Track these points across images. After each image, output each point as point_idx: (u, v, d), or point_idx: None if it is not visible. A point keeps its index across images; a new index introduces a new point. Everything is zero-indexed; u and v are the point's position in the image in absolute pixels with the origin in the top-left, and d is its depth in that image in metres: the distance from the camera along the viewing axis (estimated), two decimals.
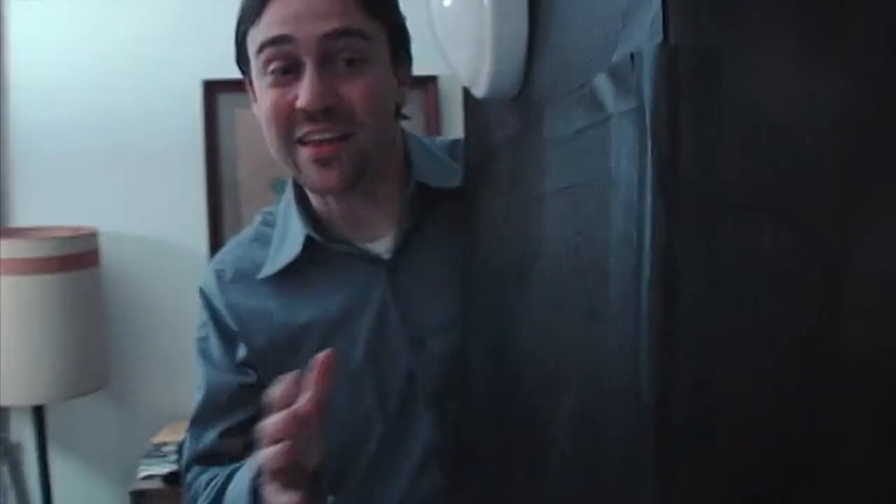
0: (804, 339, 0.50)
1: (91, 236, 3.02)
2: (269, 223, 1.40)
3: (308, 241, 1.30)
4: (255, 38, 1.19)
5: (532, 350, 0.82)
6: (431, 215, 1.31)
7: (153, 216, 3.05)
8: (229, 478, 1.30)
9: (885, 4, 0.48)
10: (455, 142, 1.40)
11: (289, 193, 1.35)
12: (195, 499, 1.35)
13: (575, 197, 0.61)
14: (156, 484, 2.97)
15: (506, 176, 0.87)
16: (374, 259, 1.31)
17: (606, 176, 0.54)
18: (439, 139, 1.44)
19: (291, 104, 1.17)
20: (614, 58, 0.53)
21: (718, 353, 0.49)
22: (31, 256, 2.82)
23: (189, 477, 1.39)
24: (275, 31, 1.17)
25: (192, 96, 3.09)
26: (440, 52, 0.91)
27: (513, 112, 0.83)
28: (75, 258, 2.91)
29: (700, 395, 0.49)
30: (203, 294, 1.40)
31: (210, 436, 1.37)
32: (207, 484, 1.34)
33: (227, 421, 1.36)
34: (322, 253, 1.31)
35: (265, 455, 1.05)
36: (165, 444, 3.00)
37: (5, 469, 3.26)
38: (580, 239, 0.60)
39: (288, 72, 1.18)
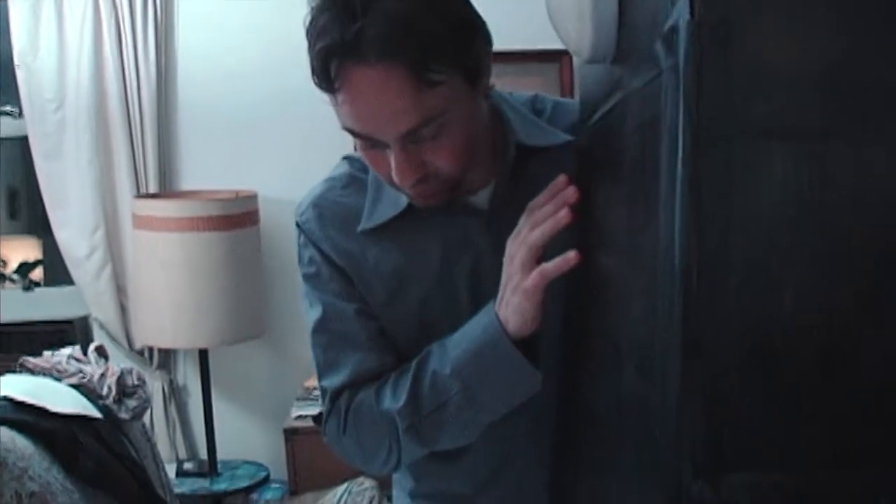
0: (795, 223, 0.70)
1: (251, 198, 3.28)
2: (361, 168, 1.41)
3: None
4: (334, 107, 1.22)
5: (608, 261, 1.04)
6: (527, 169, 1.35)
7: (307, 181, 3.25)
8: (423, 358, 1.32)
9: None
10: (535, 97, 1.46)
11: None
12: (358, 412, 1.37)
13: (643, 132, 0.83)
14: (307, 423, 3.24)
15: (603, 125, 1.09)
16: (472, 211, 1.36)
17: (660, 115, 0.75)
18: (517, 95, 1.45)
19: (388, 171, 1.22)
20: (665, 28, 0.74)
21: (731, 235, 0.70)
22: (199, 215, 3.09)
23: (340, 405, 1.39)
24: (356, 128, 1.21)
25: None
26: (552, 24, 1.12)
27: (609, 72, 1.04)
28: (238, 218, 3.17)
29: (716, 263, 0.70)
30: (303, 230, 1.42)
31: (350, 364, 1.38)
32: (380, 387, 1.35)
33: (358, 352, 1.39)
34: (421, 206, 1.33)
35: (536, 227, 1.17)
36: (316, 388, 3.22)
37: (173, 408, 3.61)
38: (645, 160, 0.82)
39: (375, 146, 1.22)
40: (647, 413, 0.83)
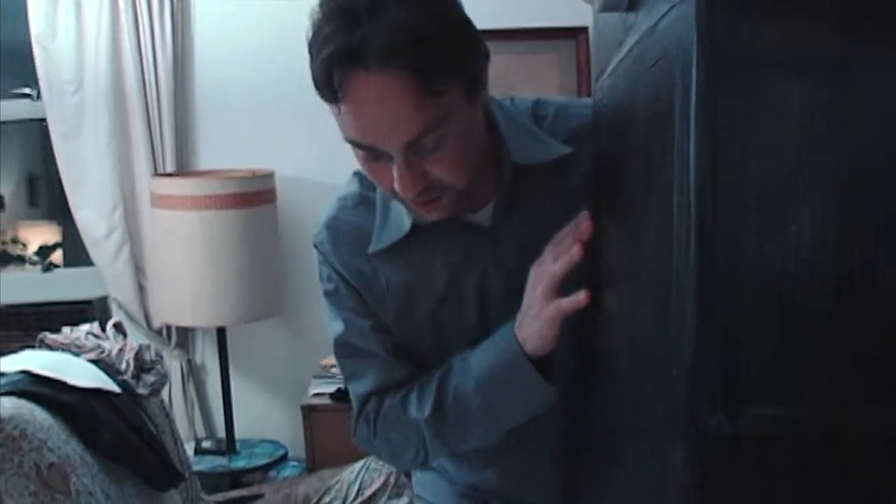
0: (810, 153, 0.70)
1: (269, 177, 3.28)
2: (369, 186, 1.44)
3: (415, 221, 1.38)
4: (337, 118, 1.23)
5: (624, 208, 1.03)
6: (524, 185, 1.38)
7: (323, 159, 3.18)
8: (445, 372, 1.41)
9: None
10: (537, 102, 1.46)
11: None
12: (386, 418, 1.46)
13: (658, 68, 0.82)
14: (324, 400, 3.26)
15: (620, 70, 1.08)
16: (475, 228, 1.40)
17: (674, 48, 0.75)
18: (520, 100, 1.46)
19: (391, 183, 1.24)
20: None
21: (747, 165, 0.69)
22: (217, 193, 3.09)
23: (368, 411, 1.48)
24: (357, 138, 1.22)
25: None
26: None
27: (622, 20, 1.04)
28: (255, 195, 3.17)
29: (732, 194, 0.70)
30: (319, 250, 1.48)
31: (373, 374, 1.48)
32: (405, 396, 1.44)
33: (378, 363, 1.47)
34: (427, 227, 1.38)
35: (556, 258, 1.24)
36: (333, 366, 3.22)
37: (191, 387, 3.62)
38: (659, 98, 0.81)
39: (378, 157, 1.23)
40: (663, 361, 0.82)
